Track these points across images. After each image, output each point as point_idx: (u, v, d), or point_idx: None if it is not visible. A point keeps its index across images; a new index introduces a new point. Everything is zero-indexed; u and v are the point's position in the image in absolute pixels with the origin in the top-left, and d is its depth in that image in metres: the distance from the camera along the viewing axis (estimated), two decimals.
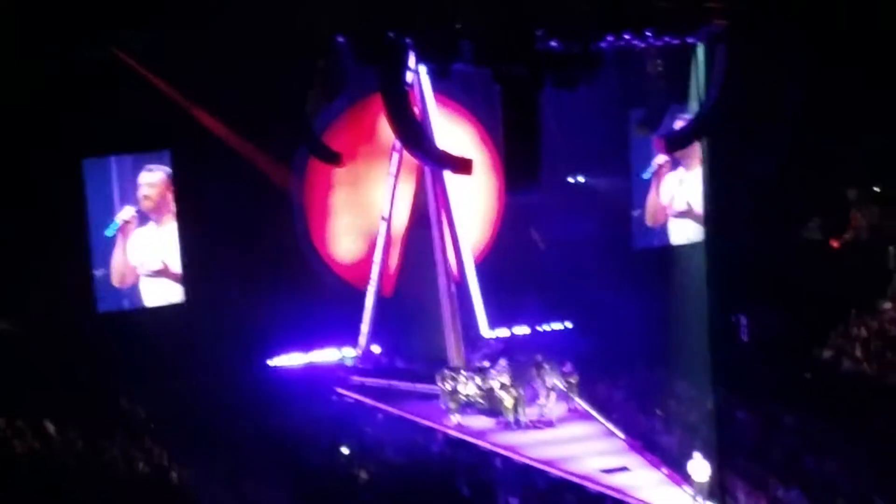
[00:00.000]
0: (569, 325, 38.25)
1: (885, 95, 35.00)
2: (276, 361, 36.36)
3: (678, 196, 38.35)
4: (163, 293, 34.96)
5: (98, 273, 34.31)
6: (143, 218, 34.65)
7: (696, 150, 35.82)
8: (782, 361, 34.06)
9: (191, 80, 33.38)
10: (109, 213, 34.29)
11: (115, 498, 24.83)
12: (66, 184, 33.44)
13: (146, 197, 34.55)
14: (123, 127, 33.29)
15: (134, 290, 34.74)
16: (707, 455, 28.36)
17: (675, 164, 37.99)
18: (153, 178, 34.51)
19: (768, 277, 36.56)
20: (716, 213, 33.86)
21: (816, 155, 36.84)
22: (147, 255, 34.75)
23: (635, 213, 38.11)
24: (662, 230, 38.66)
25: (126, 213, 34.40)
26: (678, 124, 33.72)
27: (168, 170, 34.60)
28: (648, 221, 38.42)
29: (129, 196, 34.44)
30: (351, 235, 37.37)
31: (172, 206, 34.78)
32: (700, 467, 27.33)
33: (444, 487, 27.74)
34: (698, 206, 37.43)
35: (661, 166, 38.03)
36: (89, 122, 32.75)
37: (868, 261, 36.98)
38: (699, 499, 27.12)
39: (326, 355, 36.98)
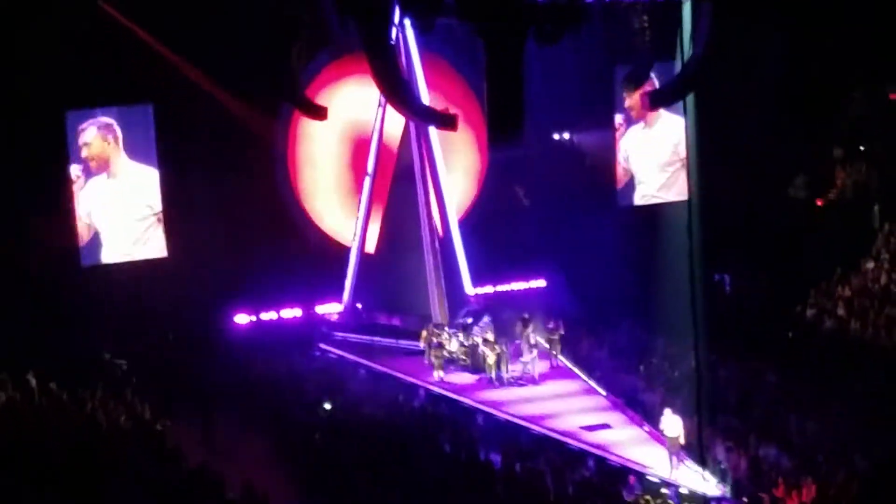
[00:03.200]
0: (551, 282, 38.21)
1: (871, 54, 34.94)
2: (258, 316, 36.34)
3: (634, 154, 38.25)
4: (141, 247, 34.82)
5: (80, 226, 34.22)
6: (89, 172, 34.42)
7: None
8: (765, 319, 34.11)
9: (175, 33, 33.25)
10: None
11: (96, 450, 24.73)
12: (50, 136, 33.29)
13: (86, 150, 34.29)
14: (107, 80, 33.11)
15: (98, 245, 34.59)
16: (688, 412, 28.37)
17: (629, 122, 37.96)
18: (88, 136, 34.19)
19: (752, 235, 36.58)
20: (700, 170, 33.68)
21: (802, 113, 36.75)
22: (103, 207, 34.55)
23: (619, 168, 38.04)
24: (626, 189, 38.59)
25: (73, 170, 34.23)
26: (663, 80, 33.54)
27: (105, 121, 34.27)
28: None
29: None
30: (334, 191, 37.28)
31: (120, 159, 34.50)
32: (672, 422, 27.38)
33: (425, 443, 27.72)
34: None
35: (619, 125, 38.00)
36: (73, 75, 32.56)
37: (852, 219, 36.96)
38: (675, 457, 27.15)
39: (310, 311, 36.97)
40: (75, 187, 34.07)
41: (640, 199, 38.23)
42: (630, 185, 38.38)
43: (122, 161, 34.46)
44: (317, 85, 35.62)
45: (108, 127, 34.26)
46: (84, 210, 34.23)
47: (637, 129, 38.01)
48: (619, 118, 37.73)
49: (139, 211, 34.71)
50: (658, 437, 28.01)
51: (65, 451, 24.44)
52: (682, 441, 27.10)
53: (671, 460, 27.08)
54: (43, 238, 33.37)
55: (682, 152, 36.42)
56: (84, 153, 34.10)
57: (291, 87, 33.04)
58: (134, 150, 34.50)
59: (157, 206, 34.72)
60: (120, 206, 34.58)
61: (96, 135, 34.12)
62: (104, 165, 34.34)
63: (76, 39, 32.15)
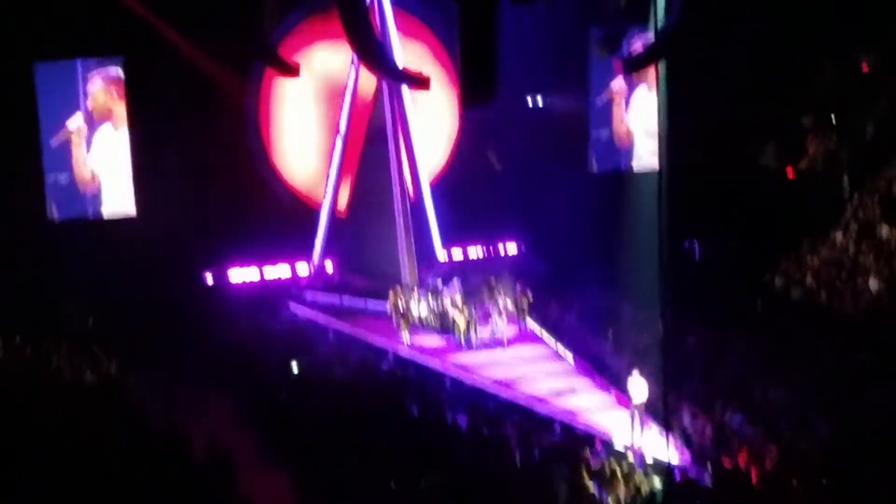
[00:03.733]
0: (521, 246, 38.23)
1: (844, 24, 34.92)
2: (228, 276, 36.23)
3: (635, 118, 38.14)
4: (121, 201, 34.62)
5: (50, 180, 33.94)
6: (93, 123, 34.14)
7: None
8: (733, 288, 34.11)
9: None
10: (60, 119, 33.87)
11: (62, 406, 24.65)
12: (19, 87, 32.98)
13: (91, 102, 33.99)
14: (77, 32, 32.81)
15: (96, 197, 34.35)
16: (654, 378, 28.45)
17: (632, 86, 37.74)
18: (94, 86, 33.92)
19: (722, 203, 36.57)
20: (671, 137, 33.62)
21: (774, 81, 36.74)
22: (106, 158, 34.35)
23: (594, 133, 37.86)
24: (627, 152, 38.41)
25: (75, 120, 33.88)
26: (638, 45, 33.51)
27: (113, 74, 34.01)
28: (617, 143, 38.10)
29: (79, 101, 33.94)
30: (305, 151, 37.13)
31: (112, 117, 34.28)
32: (638, 385, 27.46)
33: (392, 405, 27.69)
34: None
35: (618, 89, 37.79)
36: (42, 26, 32.25)
37: (822, 190, 36.98)
38: (638, 417, 27.26)
39: (279, 271, 36.88)
40: (75, 137, 33.70)
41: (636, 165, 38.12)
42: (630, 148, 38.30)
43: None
44: (290, 43, 35.42)
45: (114, 80, 33.96)
46: (87, 160, 33.96)
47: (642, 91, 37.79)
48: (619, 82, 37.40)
49: (109, 175, 34.55)
50: (625, 401, 28.07)
51: (29, 405, 24.36)
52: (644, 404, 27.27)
53: (634, 423, 27.20)
54: (10, 193, 33.11)
55: None
56: (89, 104, 33.80)
57: (262, 43, 32.88)
58: None
59: (123, 172, 34.54)
60: (124, 155, 34.41)
61: (101, 86, 33.84)
62: (107, 116, 34.06)
63: None
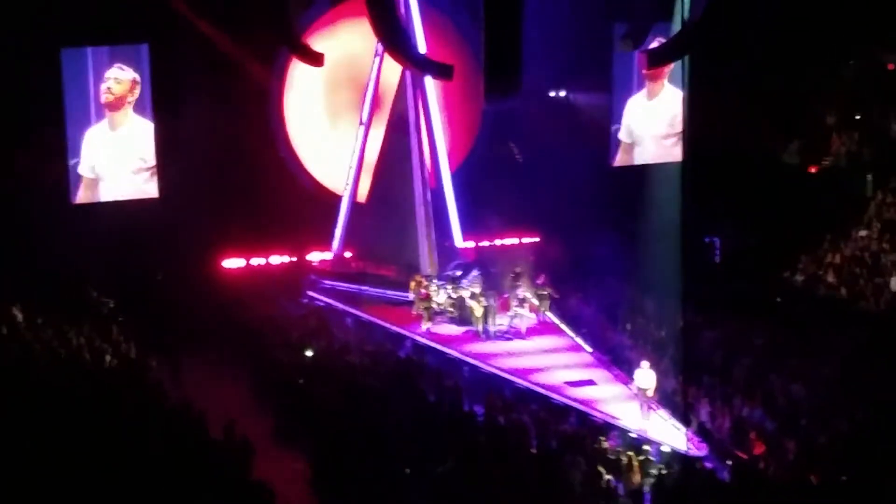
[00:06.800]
0: (541, 237, 38.20)
1: (868, 21, 34.84)
2: (248, 261, 36.31)
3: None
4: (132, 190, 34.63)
5: (73, 164, 34.00)
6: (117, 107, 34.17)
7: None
8: (754, 283, 34.09)
9: None
10: (84, 104, 33.88)
11: (80, 386, 24.76)
12: (45, 73, 33.06)
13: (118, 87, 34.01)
14: (102, 18, 32.88)
15: (118, 181, 34.41)
16: (673, 371, 28.49)
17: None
18: (121, 75, 33.93)
19: (744, 198, 36.52)
20: (693, 132, 33.56)
21: (798, 78, 36.68)
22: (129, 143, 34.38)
23: (614, 127, 37.77)
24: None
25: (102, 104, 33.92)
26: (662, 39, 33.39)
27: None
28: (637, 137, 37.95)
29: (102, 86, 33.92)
30: (327, 139, 37.17)
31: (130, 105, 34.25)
32: (646, 376, 27.51)
33: (410, 393, 27.73)
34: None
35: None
36: (68, 13, 32.34)
37: (845, 187, 36.91)
38: (645, 407, 27.31)
39: (299, 257, 36.94)
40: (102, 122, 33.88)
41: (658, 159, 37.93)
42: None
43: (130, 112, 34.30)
44: (314, 30, 35.45)
45: (138, 66, 33.97)
46: (111, 144, 33.99)
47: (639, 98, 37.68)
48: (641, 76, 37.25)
49: (134, 163, 34.51)
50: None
51: (50, 386, 24.45)
52: (650, 394, 27.29)
53: (642, 409, 27.22)
54: (34, 174, 33.24)
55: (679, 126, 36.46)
56: (113, 89, 33.76)
57: (288, 31, 32.90)
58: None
59: (151, 159, 34.42)
60: (120, 153, 34.32)
61: (125, 72, 33.84)
62: (130, 101, 34.05)
63: None
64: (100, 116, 33.29)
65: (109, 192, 33.88)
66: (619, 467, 24.22)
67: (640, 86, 36.90)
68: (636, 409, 27.57)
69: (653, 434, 26.70)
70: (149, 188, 33.93)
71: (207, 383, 28.18)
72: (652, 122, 37.05)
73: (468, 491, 22.29)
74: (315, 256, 36.89)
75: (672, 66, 33.20)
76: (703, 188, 33.57)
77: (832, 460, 24.11)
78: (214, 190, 34.98)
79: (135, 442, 21.81)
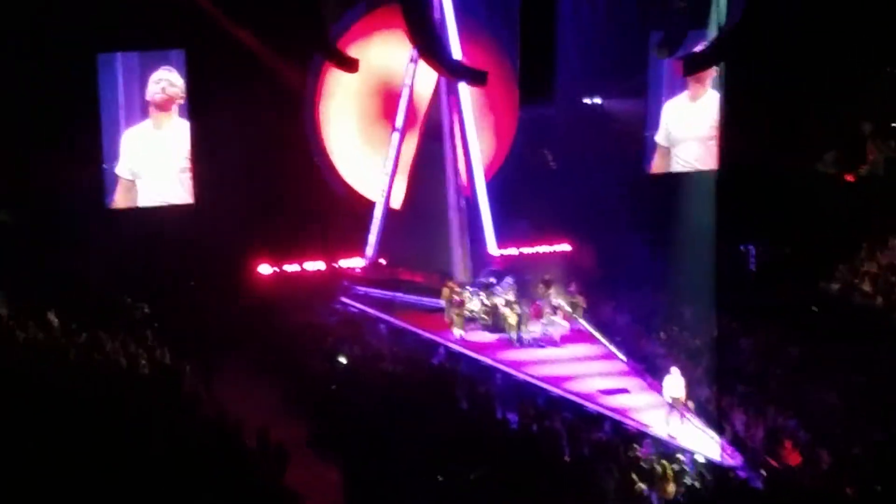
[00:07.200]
0: (575, 245, 38.16)
1: None
2: (281, 267, 36.38)
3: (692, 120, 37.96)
4: (170, 193, 34.82)
5: (110, 166, 34.24)
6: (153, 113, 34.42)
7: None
8: (789, 292, 33.92)
9: None
10: (120, 109, 34.12)
11: (112, 391, 24.83)
12: (81, 78, 33.28)
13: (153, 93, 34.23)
14: (139, 24, 33.04)
15: (152, 186, 34.64)
16: (707, 380, 28.41)
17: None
18: (173, 77, 34.21)
19: (780, 208, 36.37)
20: (728, 140, 33.58)
21: (835, 86, 36.49)
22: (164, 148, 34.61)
23: (650, 134, 37.69)
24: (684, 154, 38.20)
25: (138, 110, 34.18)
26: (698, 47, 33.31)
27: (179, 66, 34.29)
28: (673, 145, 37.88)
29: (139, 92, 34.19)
30: (362, 145, 37.21)
31: (177, 108, 34.48)
32: (675, 382, 27.44)
33: (443, 400, 27.72)
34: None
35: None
36: (106, 18, 32.52)
37: (882, 195, 36.69)
38: (676, 413, 27.26)
39: (332, 263, 36.99)
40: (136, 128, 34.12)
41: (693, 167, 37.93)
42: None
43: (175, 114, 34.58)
44: (349, 37, 35.49)
45: (174, 72, 34.23)
46: (146, 149, 34.32)
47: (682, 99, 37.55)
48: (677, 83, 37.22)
49: (176, 163, 34.77)
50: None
51: (84, 391, 24.52)
52: (682, 400, 27.35)
53: (671, 416, 27.23)
54: (69, 178, 33.42)
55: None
56: (148, 96, 34.02)
57: (323, 38, 32.99)
58: None
59: (184, 162, 34.72)
60: (164, 153, 34.64)
61: (161, 78, 34.09)
62: (167, 107, 34.30)
63: None
64: (139, 118, 33.74)
65: (148, 194, 34.19)
66: (653, 476, 24.13)
67: (675, 90, 36.90)
68: (673, 419, 27.47)
69: (685, 442, 26.60)
70: (188, 190, 34.31)
71: (241, 389, 28.19)
72: (694, 124, 37.05)
73: (500, 499, 22.27)
74: (349, 262, 36.91)
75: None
76: (738, 196, 33.56)
77: (867, 470, 23.95)
78: (248, 195, 35.08)
79: (169, 448, 21.85)
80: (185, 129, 34.25)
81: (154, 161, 34.35)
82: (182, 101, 34.22)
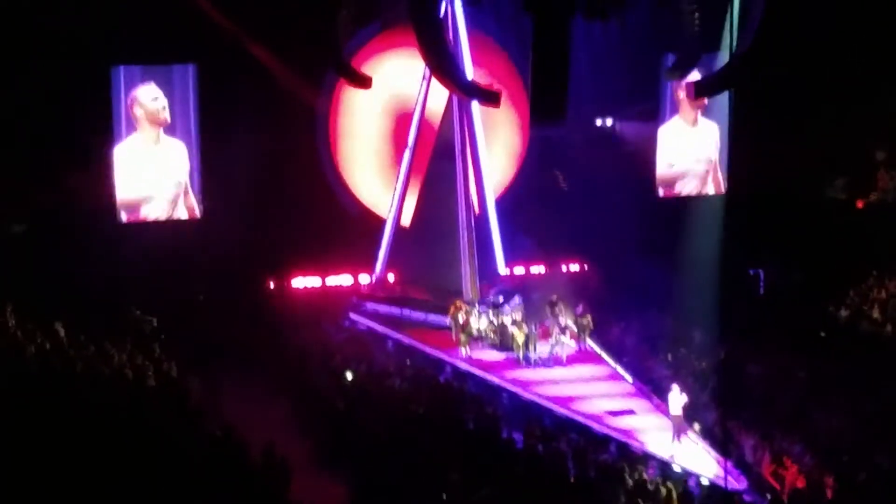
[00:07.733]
0: (584, 266, 38.19)
1: None
2: (290, 283, 36.44)
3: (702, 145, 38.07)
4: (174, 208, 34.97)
5: (119, 182, 34.38)
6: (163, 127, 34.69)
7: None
8: (798, 317, 33.85)
9: None
10: (129, 123, 34.35)
11: (119, 403, 24.84)
12: (94, 92, 33.41)
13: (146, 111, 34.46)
14: (152, 38, 33.16)
15: (161, 201, 34.77)
16: (714, 404, 28.37)
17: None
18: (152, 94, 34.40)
19: (790, 233, 36.34)
20: (737, 165, 33.50)
21: (845, 113, 36.48)
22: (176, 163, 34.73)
23: (660, 157, 37.74)
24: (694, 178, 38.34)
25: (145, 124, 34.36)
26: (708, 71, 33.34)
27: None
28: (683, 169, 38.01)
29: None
30: (373, 162, 37.28)
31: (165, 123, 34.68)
32: (677, 399, 27.41)
33: (449, 418, 27.68)
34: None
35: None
36: (118, 32, 32.67)
37: (892, 223, 36.63)
38: (677, 431, 27.25)
39: (341, 280, 37.05)
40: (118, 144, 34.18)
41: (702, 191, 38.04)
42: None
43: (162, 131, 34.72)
44: (363, 55, 35.66)
45: (186, 86, 34.42)
46: (157, 163, 34.62)
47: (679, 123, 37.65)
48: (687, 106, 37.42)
49: (172, 181, 34.90)
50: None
51: (91, 403, 24.52)
52: (681, 417, 27.41)
53: (673, 434, 27.21)
54: (79, 192, 33.54)
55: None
56: (140, 111, 34.19)
57: (336, 55, 33.08)
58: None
59: (184, 178, 34.84)
60: (158, 171, 34.80)
61: (153, 96, 34.27)
62: (175, 121, 34.47)
63: None
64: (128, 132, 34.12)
65: (152, 211, 34.39)
66: (658, 498, 24.06)
67: (666, 115, 37.22)
68: (670, 434, 27.51)
69: (689, 464, 26.55)
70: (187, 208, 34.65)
71: (248, 404, 28.18)
72: (691, 152, 37.23)
73: None
74: (358, 279, 36.97)
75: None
76: (747, 220, 33.51)
77: (872, 496, 23.89)
78: (259, 211, 35.18)
79: (174, 460, 21.86)
80: (180, 147, 34.42)
81: (154, 176, 34.51)
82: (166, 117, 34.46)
